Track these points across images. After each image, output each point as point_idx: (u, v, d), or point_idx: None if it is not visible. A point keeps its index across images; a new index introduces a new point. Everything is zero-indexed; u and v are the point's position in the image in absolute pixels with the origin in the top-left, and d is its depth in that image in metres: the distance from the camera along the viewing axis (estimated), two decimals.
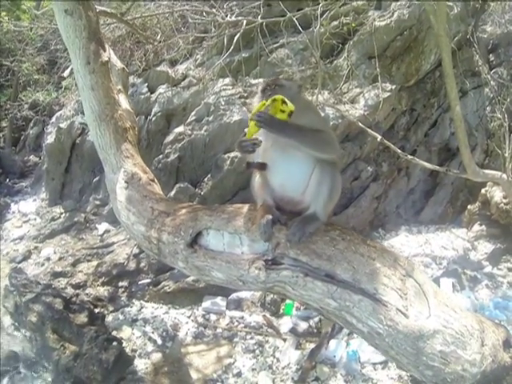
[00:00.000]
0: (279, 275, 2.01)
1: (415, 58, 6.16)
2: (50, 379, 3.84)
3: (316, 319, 4.87)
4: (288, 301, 5.08)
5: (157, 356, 4.40)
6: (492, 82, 6.60)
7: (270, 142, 2.13)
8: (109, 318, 4.75)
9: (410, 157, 5.19)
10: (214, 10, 5.98)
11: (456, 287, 5.13)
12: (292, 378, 4.16)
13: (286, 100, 1.98)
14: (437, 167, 5.36)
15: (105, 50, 3.09)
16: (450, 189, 6.56)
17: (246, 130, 2.14)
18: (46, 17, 6.55)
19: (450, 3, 5.95)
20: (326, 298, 1.90)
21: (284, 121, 1.97)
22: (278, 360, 4.42)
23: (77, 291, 4.93)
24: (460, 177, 5.47)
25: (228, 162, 5.74)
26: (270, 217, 2.02)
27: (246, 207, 2.31)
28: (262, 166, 2.15)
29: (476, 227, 5.92)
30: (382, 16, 6.09)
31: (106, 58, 3.05)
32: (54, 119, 7.47)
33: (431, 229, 6.14)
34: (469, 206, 6.16)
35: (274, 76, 6.01)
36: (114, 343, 4.00)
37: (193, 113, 6.14)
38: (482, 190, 5.94)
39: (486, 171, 5.02)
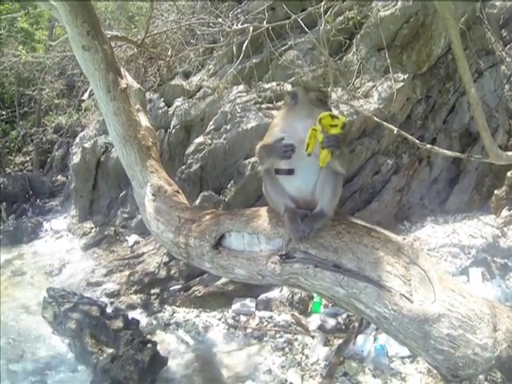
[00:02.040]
0: (292, 267, 2.20)
1: (425, 44, 6.07)
2: (89, 381, 4.09)
3: (344, 315, 4.90)
4: (316, 299, 5.15)
5: (189, 357, 4.59)
6: (508, 59, 6.38)
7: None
8: (143, 323, 4.97)
9: (428, 146, 5.13)
10: (220, 20, 6.15)
11: (486, 276, 5.00)
12: (321, 374, 4.22)
13: (334, 114, 2.12)
14: (458, 154, 5.26)
15: (122, 78, 3.36)
16: (474, 175, 6.38)
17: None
18: (60, 44, 6.94)
19: None
20: (334, 286, 2.06)
21: (341, 135, 2.13)
22: (306, 357, 4.49)
23: (111, 300, 5.21)
24: (484, 161, 5.35)
25: (249, 168, 5.85)
26: (299, 219, 2.20)
27: (262, 210, 2.52)
28: (291, 172, 2.29)
29: (505, 212, 5.74)
30: (385, 6, 6.04)
31: (125, 85, 3.32)
32: (77, 140, 7.91)
33: (458, 218, 5.98)
34: (496, 191, 5.98)
35: (293, 82, 6.10)
36: (149, 345, 4.26)
37: (211, 122, 6.31)
38: (508, 173, 5.78)
39: (510, 153, 4.87)
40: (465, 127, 6.42)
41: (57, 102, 8.69)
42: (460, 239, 5.35)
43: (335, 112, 5.52)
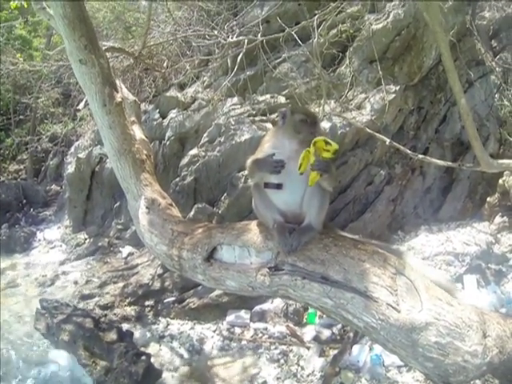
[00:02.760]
0: (281, 279, 2.26)
1: (416, 55, 6.19)
2: None
3: (339, 326, 4.88)
4: (310, 310, 5.14)
5: (184, 369, 4.56)
6: (497, 69, 6.50)
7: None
8: (137, 336, 4.93)
9: (421, 156, 5.20)
10: (215, 32, 6.24)
11: (480, 283, 5.02)
12: None
13: (328, 140, 2.22)
14: (449, 163, 5.34)
15: (118, 92, 3.42)
16: (467, 183, 6.44)
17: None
18: (57, 53, 7.00)
19: None
20: (322, 297, 2.11)
21: (332, 160, 2.24)
22: (302, 368, 4.47)
23: (105, 312, 5.18)
24: (476, 170, 5.41)
25: (242, 180, 5.88)
26: (288, 233, 2.27)
27: (252, 223, 2.59)
28: (279, 186, 2.37)
29: (498, 219, 5.79)
30: (377, 19, 6.17)
31: (120, 99, 3.37)
32: (72, 149, 7.94)
33: (452, 226, 6.02)
34: (488, 199, 6.04)
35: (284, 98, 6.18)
36: (143, 357, 4.23)
37: (205, 134, 6.36)
38: (500, 181, 5.84)
39: (500, 161, 4.91)
40: (456, 137, 6.51)
41: (52, 110, 8.68)
42: (454, 247, 5.37)
43: (326, 127, 5.61)
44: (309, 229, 2.29)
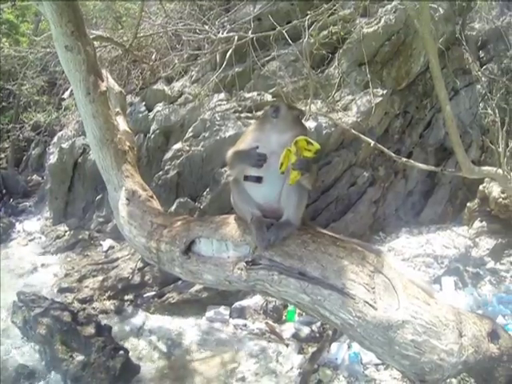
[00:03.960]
0: (258, 274, 2.25)
1: (405, 61, 6.27)
2: None
3: (318, 324, 4.92)
4: (290, 307, 5.16)
5: (162, 363, 4.52)
6: (483, 79, 6.66)
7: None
8: (115, 330, 4.86)
9: (404, 159, 5.29)
10: (206, 27, 6.18)
11: (458, 285, 5.13)
12: (295, 382, 4.22)
13: (310, 140, 2.22)
14: (432, 167, 5.45)
15: (103, 81, 3.35)
16: (448, 188, 6.59)
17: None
18: (44, 39, 6.83)
19: (435, 5, 6.07)
20: (299, 293, 2.11)
21: (312, 159, 2.24)
22: (281, 364, 4.48)
23: (83, 305, 5.11)
24: (457, 175, 5.53)
25: (225, 176, 5.83)
26: (265, 228, 2.26)
27: (231, 217, 2.58)
28: (259, 179, 2.36)
29: (477, 224, 5.91)
30: (369, 23, 6.23)
31: (104, 88, 3.31)
32: (55, 139, 7.74)
33: (432, 229, 6.14)
34: (468, 204, 6.16)
35: (268, 91, 6.19)
36: (121, 352, 4.18)
37: (190, 129, 6.31)
38: (480, 187, 5.95)
39: (482, 168, 5.07)
40: (440, 142, 6.64)
41: (37, 98, 8.35)
42: (433, 249, 5.48)
43: (312, 126, 5.64)
44: (287, 224, 2.28)
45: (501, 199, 5.64)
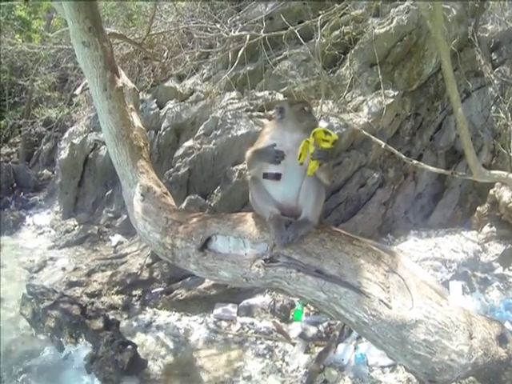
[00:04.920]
0: (276, 271, 2.25)
1: (416, 62, 6.25)
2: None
3: (325, 324, 4.94)
4: (297, 307, 5.18)
5: (169, 359, 4.56)
6: (496, 81, 6.61)
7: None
8: (123, 325, 4.92)
9: (414, 161, 5.26)
10: (218, 26, 6.21)
11: (466, 290, 5.11)
12: (301, 381, 4.23)
13: (328, 130, 2.25)
14: (442, 170, 5.41)
15: (119, 77, 3.38)
16: (458, 191, 6.55)
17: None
18: (56, 36, 6.89)
19: (448, 6, 6.04)
20: (316, 290, 2.11)
21: (331, 151, 2.26)
22: (287, 364, 4.50)
23: (92, 299, 5.15)
24: (468, 179, 5.50)
25: (236, 174, 5.89)
26: (284, 226, 2.27)
27: (248, 215, 2.57)
28: (278, 177, 2.38)
29: (486, 229, 5.89)
30: (381, 23, 6.22)
31: (121, 84, 3.33)
32: (66, 135, 7.82)
33: (441, 232, 6.12)
34: (478, 208, 6.14)
35: (281, 92, 6.21)
36: (129, 346, 4.24)
37: (201, 127, 6.34)
38: (491, 191, 5.92)
39: (493, 172, 5.02)
40: (450, 145, 6.61)
41: (48, 94, 8.52)
42: (442, 253, 5.46)
43: (324, 125, 5.66)
44: (305, 222, 2.29)
45: (511, 204, 5.60)
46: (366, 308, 1.95)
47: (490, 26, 7.08)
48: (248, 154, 2.49)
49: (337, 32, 6.05)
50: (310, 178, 2.32)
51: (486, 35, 6.99)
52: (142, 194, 3.16)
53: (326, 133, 2.23)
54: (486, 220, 5.98)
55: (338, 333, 4.62)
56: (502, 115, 5.86)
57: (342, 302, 2.01)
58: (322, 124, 5.69)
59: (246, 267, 2.33)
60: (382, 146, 5.29)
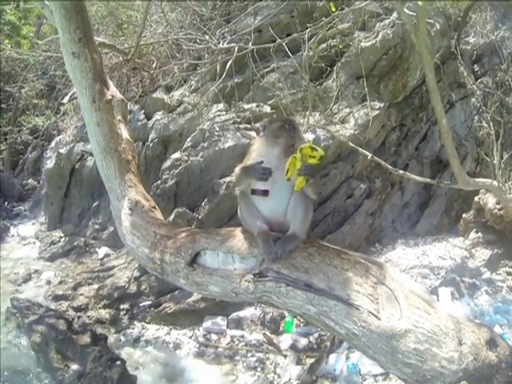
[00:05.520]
0: (265, 286, 2.28)
1: (401, 75, 6.40)
2: None
3: (316, 335, 4.93)
4: (287, 318, 5.16)
5: (159, 374, 4.49)
6: (478, 92, 6.80)
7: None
8: (111, 340, 4.82)
9: (401, 172, 5.37)
10: (207, 37, 6.26)
11: (455, 295, 5.19)
12: None
13: (314, 146, 2.29)
14: (428, 180, 5.53)
15: (108, 89, 3.37)
16: (444, 199, 6.66)
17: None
18: (45, 43, 6.84)
19: (431, 20, 6.21)
20: (305, 304, 2.13)
21: (317, 166, 2.31)
22: (279, 376, 4.48)
23: (78, 314, 5.06)
24: (453, 187, 5.61)
25: (224, 187, 5.87)
26: (272, 241, 2.30)
27: (237, 230, 2.60)
28: (265, 193, 2.42)
29: (472, 235, 6.00)
30: (367, 37, 6.36)
31: (110, 97, 3.33)
32: (53, 144, 7.69)
33: (428, 240, 6.20)
34: (464, 215, 6.25)
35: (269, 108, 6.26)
36: (118, 362, 4.13)
37: (188, 139, 6.33)
38: (476, 198, 6.04)
39: (477, 179, 5.16)
40: (435, 154, 6.74)
41: (35, 102, 8.38)
42: (430, 260, 5.54)
43: (311, 137, 5.71)
44: (293, 237, 2.32)
45: (496, 210, 5.73)
46: (355, 320, 1.97)
47: (472, 39, 7.29)
48: (236, 170, 2.53)
49: (324, 45, 6.17)
50: (298, 193, 2.36)
51: (469, 48, 7.19)
52: (130, 208, 3.15)
53: (313, 149, 2.27)
54: (472, 226, 6.09)
55: (329, 343, 4.62)
56: (484, 124, 6.01)
57: (332, 314, 2.04)
58: (309, 136, 5.76)
59: (235, 282, 2.34)
60: (369, 157, 5.38)
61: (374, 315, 1.96)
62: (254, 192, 2.44)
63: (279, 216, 2.42)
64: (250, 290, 2.29)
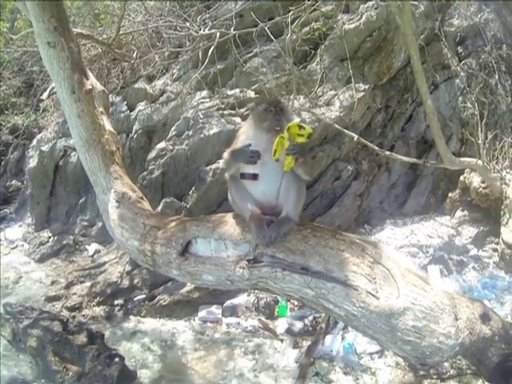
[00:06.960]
0: (261, 272, 2.24)
1: (386, 56, 6.38)
2: None
3: (310, 318, 4.98)
4: (282, 303, 5.20)
5: (159, 367, 4.46)
6: (462, 73, 6.85)
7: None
8: (107, 336, 4.73)
9: (387, 152, 5.40)
10: (187, 24, 6.12)
11: (444, 272, 5.30)
12: (293, 376, 4.24)
13: (302, 124, 2.25)
14: (415, 160, 5.58)
15: (88, 79, 3.25)
16: (430, 179, 6.75)
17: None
18: (20, 38, 6.59)
19: (416, 2, 6.19)
20: (303, 288, 2.12)
21: (306, 144, 2.26)
22: (277, 360, 4.50)
23: (73, 313, 4.99)
24: (439, 167, 5.69)
25: (210, 174, 5.81)
26: (265, 225, 2.25)
27: (228, 215, 2.54)
28: (255, 177, 2.37)
29: (458, 213, 6.11)
30: (350, 19, 6.30)
31: (90, 87, 3.21)
32: (34, 142, 7.47)
33: (416, 219, 6.28)
34: (450, 194, 6.35)
35: (252, 88, 6.18)
36: (116, 359, 4.06)
37: (173, 128, 6.23)
38: (461, 177, 6.14)
39: (462, 159, 5.25)
40: (421, 135, 6.80)
41: (14, 100, 8.11)
42: (418, 239, 5.62)
43: (298, 120, 5.68)
44: (287, 220, 2.28)
45: (481, 189, 5.84)
46: (354, 301, 1.98)
47: (455, 21, 7.33)
48: (224, 155, 2.47)
49: (307, 28, 6.07)
50: (290, 174, 2.32)
51: (452, 30, 7.24)
52: (116, 201, 3.06)
53: (300, 127, 2.21)
54: (458, 205, 6.20)
55: (324, 325, 4.68)
56: (469, 105, 6.10)
57: (330, 297, 2.04)
58: (295, 119, 5.72)
59: (229, 269, 2.30)
60: (355, 139, 5.39)
61: (373, 295, 1.98)
62: (243, 176, 2.40)
63: (271, 199, 2.38)
64: (245, 276, 2.25)
